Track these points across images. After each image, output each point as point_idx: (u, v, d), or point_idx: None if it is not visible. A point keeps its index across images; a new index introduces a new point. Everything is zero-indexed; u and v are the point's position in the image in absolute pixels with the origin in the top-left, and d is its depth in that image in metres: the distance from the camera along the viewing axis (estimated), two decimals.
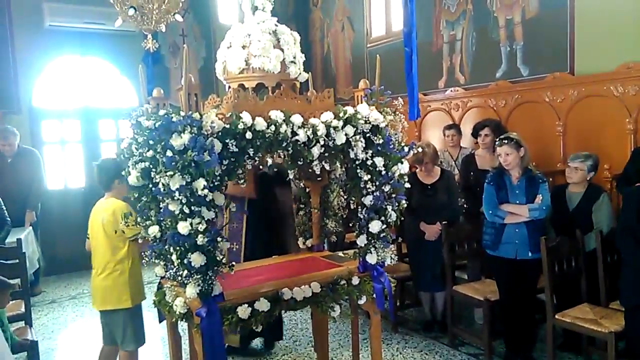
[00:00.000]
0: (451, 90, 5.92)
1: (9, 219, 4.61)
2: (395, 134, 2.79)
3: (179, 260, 2.29)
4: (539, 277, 3.57)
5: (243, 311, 2.46)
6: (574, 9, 4.54)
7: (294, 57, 2.76)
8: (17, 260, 3.91)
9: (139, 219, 2.52)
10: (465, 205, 4.45)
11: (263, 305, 2.50)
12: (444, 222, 4.03)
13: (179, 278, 2.34)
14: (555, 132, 4.76)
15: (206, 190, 2.22)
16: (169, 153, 2.20)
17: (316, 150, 2.54)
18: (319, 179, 3.24)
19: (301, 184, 3.41)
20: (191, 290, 2.35)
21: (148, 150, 2.24)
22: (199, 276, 2.32)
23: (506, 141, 3.55)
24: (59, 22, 6.47)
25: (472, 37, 5.65)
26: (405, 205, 4.18)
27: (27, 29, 6.43)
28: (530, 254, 3.51)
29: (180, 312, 2.46)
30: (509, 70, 5.25)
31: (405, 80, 3.57)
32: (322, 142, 2.54)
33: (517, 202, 3.54)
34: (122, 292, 3.17)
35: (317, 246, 3.40)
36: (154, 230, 2.43)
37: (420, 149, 4.13)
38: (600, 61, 4.37)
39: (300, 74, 2.79)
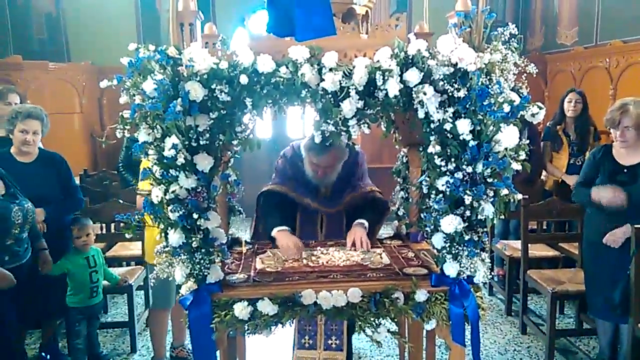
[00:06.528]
0: None
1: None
2: (496, 84, 1.75)
3: (161, 235, 1.87)
4: None
5: (241, 309, 1.90)
6: None
7: None
8: None
9: None
10: None
11: (266, 306, 1.90)
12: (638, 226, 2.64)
13: (164, 255, 1.92)
14: None
15: (173, 151, 1.69)
16: (138, 99, 1.74)
17: (348, 105, 1.74)
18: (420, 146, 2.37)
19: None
20: (179, 272, 1.90)
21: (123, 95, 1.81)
22: (185, 256, 1.85)
23: None
24: None
25: None
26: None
27: None
28: None
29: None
30: None
31: None
32: (354, 94, 1.72)
33: None
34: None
35: (414, 235, 2.56)
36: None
37: (618, 104, 2.78)
38: None
39: None
